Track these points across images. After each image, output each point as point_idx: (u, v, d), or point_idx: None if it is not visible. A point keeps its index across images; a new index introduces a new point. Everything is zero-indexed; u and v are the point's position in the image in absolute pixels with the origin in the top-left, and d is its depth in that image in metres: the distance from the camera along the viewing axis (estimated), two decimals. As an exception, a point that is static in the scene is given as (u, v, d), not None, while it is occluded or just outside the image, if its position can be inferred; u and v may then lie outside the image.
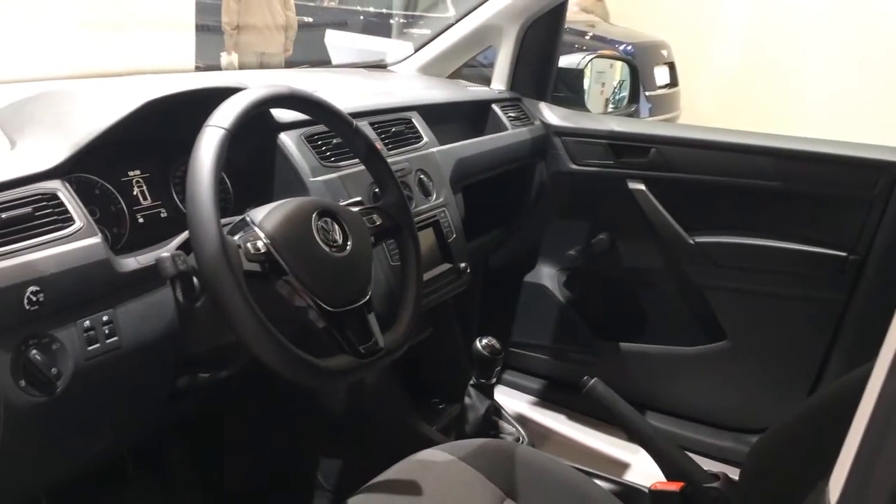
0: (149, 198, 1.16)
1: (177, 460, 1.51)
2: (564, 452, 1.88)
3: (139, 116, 1.05)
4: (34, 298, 0.84)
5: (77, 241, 0.91)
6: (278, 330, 0.90)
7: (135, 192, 1.15)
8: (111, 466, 1.39)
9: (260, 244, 0.94)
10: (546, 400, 2.13)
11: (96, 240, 0.93)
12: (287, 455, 1.56)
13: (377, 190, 1.25)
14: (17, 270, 0.83)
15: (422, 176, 1.48)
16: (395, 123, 1.51)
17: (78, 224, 0.92)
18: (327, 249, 0.99)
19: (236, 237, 0.95)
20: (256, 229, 0.96)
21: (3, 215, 0.86)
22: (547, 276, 2.12)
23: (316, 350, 0.95)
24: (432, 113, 1.65)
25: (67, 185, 0.95)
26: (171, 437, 1.50)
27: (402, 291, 1.15)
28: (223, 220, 1.07)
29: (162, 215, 1.17)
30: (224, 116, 0.94)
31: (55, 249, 0.88)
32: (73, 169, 0.98)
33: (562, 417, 2.05)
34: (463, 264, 1.50)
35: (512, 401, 2.13)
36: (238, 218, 1.01)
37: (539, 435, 1.98)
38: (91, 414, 0.97)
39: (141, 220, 1.14)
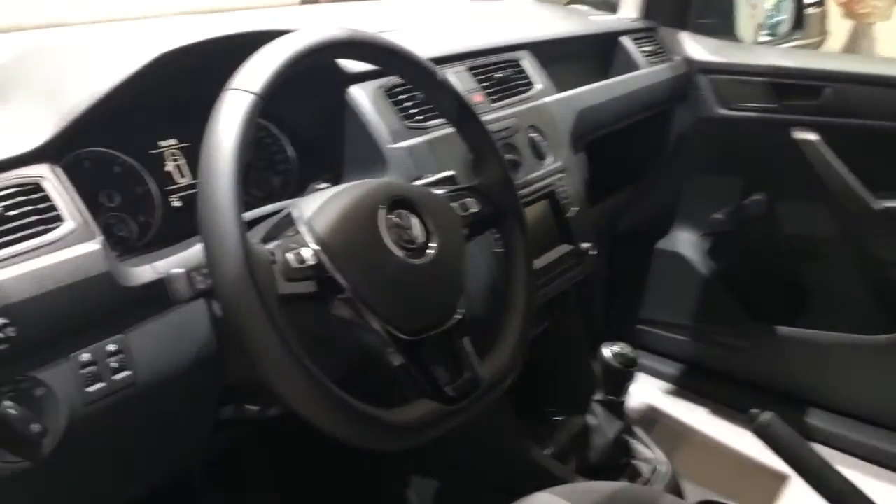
0: (187, 174, 0.93)
1: (249, 468, 1.32)
2: (711, 476, 1.54)
3: (157, 74, 0.80)
4: (1, 335, 0.62)
5: (66, 250, 0.69)
6: (333, 370, 0.66)
7: (168, 168, 0.92)
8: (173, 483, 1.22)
9: (307, 253, 0.67)
10: (683, 388, 1.84)
11: (94, 245, 0.70)
12: (364, 475, 1.34)
13: None
14: None
15: (534, 134, 1.20)
16: (500, 67, 1.24)
17: (69, 225, 0.70)
18: (401, 254, 0.72)
19: (273, 245, 0.68)
20: (304, 230, 0.69)
21: None
22: (685, 242, 1.84)
23: (388, 395, 0.69)
24: (547, 52, 1.37)
25: (59, 170, 0.72)
26: (240, 446, 1.31)
27: (507, 296, 0.87)
28: (268, 208, 0.83)
29: None
30: (252, 76, 0.67)
31: (33, 263, 0.66)
32: (70, 146, 0.77)
33: (703, 412, 1.74)
34: (586, 245, 1.21)
35: (642, 387, 1.84)
36: (281, 210, 0.75)
37: (676, 438, 1.66)
38: (107, 464, 0.77)
39: (177, 204, 0.92)
